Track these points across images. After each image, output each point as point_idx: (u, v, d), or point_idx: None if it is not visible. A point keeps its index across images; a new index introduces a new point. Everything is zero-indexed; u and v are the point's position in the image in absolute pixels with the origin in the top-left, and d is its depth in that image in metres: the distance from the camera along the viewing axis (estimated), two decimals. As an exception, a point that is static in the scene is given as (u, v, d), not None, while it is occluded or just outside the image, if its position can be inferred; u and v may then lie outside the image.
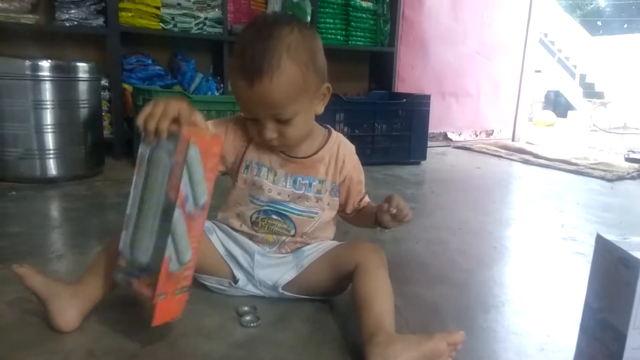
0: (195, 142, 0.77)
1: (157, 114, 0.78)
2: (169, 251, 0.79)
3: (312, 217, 1.04)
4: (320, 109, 0.99)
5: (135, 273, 0.83)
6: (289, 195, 1.02)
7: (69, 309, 0.88)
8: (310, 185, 1.02)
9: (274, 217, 1.02)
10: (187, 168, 0.77)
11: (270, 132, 0.92)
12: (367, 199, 1.11)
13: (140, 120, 0.79)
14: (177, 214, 0.78)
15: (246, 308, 1.00)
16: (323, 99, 0.98)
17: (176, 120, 0.79)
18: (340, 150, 1.05)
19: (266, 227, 1.03)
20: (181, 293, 0.84)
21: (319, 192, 1.03)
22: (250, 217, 1.03)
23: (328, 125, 1.08)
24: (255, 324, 0.95)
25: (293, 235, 1.04)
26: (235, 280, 1.04)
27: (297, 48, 0.88)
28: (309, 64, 0.90)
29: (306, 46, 0.90)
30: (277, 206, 1.02)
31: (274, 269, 1.04)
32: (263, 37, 0.87)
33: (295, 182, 1.01)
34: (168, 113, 0.78)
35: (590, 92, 9.44)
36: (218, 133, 0.93)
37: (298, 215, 1.02)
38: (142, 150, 0.82)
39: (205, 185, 0.81)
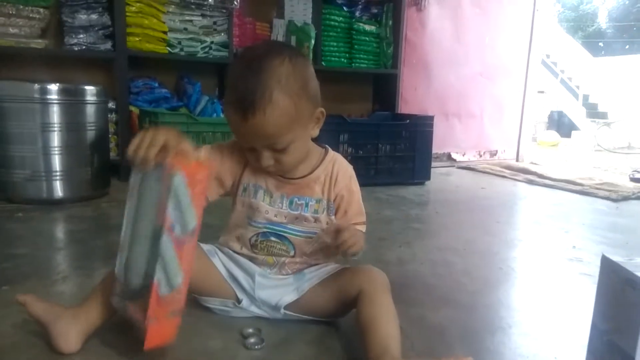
0: (180, 169, 0.79)
1: (145, 143, 0.80)
2: (159, 275, 0.80)
3: (311, 238, 1.03)
4: (315, 132, 1.00)
5: (129, 297, 0.85)
6: (285, 217, 1.02)
7: (70, 331, 0.88)
8: (306, 205, 1.02)
9: (273, 239, 1.03)
10: (173, 195, 0.79)
11: (267, 159, 0.94)
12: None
13: (130, 150, 0.81)
14: (165, 239, 0.80)
15: (251, 330, 0.99)
16: (317, 122, 0.99)
17: (164, 149, 0.80)
18: (335, 167, 1.05)
19: (265, 250, 1.03)
20: (173, 317, 0.85)
21: (316, 212, 1.03)
22: (250, 240, 1.04)
23: (326, 146, 1.09)
24: (259, 347, 0.95)
25: (293, 256, 1.04)
26: (239, 301, 1.04)
27: (288, 79, 0.88)
28: (301, 93, 0.91)
29: (297, 76, 0.90)
30: (275, 228, 1.02)
31: (274, 290, 1.04)
32: (254, 70, 0.88)
33: (291, 203, 1.02)
34: (155, 142, 0.79)
35: (594, 112, 9.46)
36: (205, 159, 0.92)
37: (296, 236, 1.03)
38: (134, 178, 0.84)
39: (194, 212, 0.82)
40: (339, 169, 1.05)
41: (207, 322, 1.04)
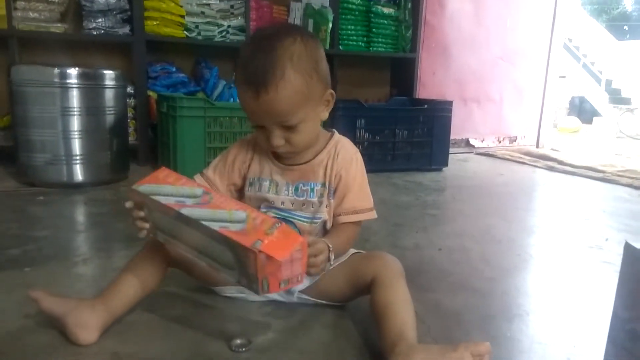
0: (137, 184, 0.86)
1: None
2: (220, 227, 0.77)
3: (316, 223, 1.03)
4: (324, 114, 1.00)
5: (241, 269, 0.80)
6: (292, 203, 1.02)
7: (88, 321, 0.87)
8: (312, 190, 1.02)
9: None
10: (154, 195, 0.84)
11: (278, 139, 0.94)
12: (351, 227, 1.03)
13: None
14: (186, 212, 0.80)
15: (239, 341, 0.91)
16: (327, 105, 0.99)
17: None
18: (337, 148, 1.04)
19: None
20: (272, 232, 0.77)
21: (322, 195, 1.02)
22: None
23: (333, 130, 1.09)
24: (246, 349, 0.89)
25: None
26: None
27: (300, 58, 0.89)
28: (313, 73, 0.91)
29: (309, 55, 0.91)
30: (283, 214, 1.02)
31: None
32: (266, 49, 0.88)
33: (296, 189, 1.02)
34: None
35: (617, 97, 9.24)
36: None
37: (303, 221, 1.03)
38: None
39: (187, 187, 0.85)
40: (340, 150, 1.04)
41: (224, 304, 1.05)
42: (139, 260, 0.96)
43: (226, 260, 0.81)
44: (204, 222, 0.79)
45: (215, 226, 0.78)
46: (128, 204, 0.89)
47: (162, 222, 0.87)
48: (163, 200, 0.83)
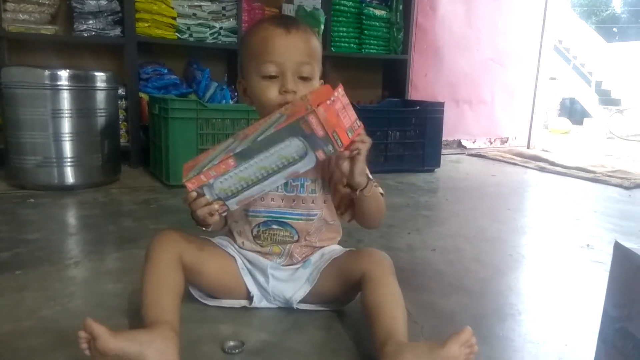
0: (186, 174, 0.89)
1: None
2: (273, 129, 0.83)
3: (312, 219, 1.03)
4: None
5: (323, 140, 0.83)
6: (282, 199, 1.01)
7: (170, 351, 0.79)
8: (302, 185, 1.01)
9: (274, 226, 1.02)
10: (205, 168, 0.87)
11: (293, 83, 0.96)
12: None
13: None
14: (240, 148, 0.85)
15: (232, 343, 0.92)
16: None
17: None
18: None
19: (269, 239, 1.03)
20: (307, 97, 0.89)
21: (313, 191, 1.01)
22: (252, 232, 1.03)
23: None
24: (239, 350, 0.90)
25: (297, 240, 1.04)
26: (250, 301, 1.04)
27: (316, 37, 1.03)
28: (321, 53, 1.03)
29: (319, 43, 1.04)
30: (274, 215, 1.01)
31: (287, 284, 1.03)
32: (288, 17, 0.98)
33: (286, 185, 1.00)
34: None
35: (607, 99, 9.33)
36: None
37: (297, 219, 1.02)
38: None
39: (221, 144, 0.93)
40: None
41: (218, 308, 1.05)
42: (161, 268, 0.92)
43: (296, 152, 0.84)
44: (260, 139, 0.83)
45: (270, 132, 0.82)
46: (193, 194, 0.88)
47: (227, 184, 0.88)
48: (216, 161, 0.86)
